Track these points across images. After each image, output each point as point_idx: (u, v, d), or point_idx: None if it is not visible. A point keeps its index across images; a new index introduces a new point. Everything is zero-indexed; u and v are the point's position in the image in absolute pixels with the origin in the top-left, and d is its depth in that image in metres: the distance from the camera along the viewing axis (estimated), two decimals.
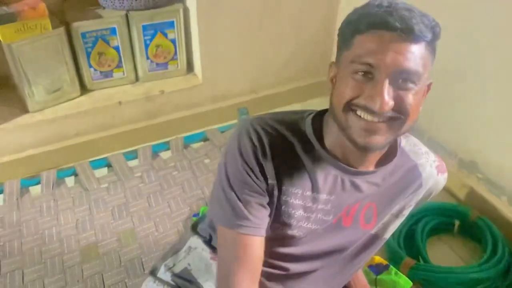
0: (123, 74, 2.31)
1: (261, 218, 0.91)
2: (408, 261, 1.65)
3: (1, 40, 1.91)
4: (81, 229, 1.77)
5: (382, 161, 0.97)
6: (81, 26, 2.10)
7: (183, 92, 2.36)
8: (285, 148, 0.92)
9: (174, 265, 1.11)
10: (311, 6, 2.40)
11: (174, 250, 1.14)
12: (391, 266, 1.40)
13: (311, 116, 0.96)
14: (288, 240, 0.97)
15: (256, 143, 0.89)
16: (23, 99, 2.11)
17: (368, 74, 0.81)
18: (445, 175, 1.07)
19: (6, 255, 1.68)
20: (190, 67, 2.45)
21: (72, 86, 2.20)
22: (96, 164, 2.01)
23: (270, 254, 0.97)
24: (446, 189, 2.00)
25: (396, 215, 1.04)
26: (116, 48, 2.23)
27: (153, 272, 1.15)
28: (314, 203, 0.94)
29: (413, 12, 0.79)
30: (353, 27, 0.83)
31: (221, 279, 0.94)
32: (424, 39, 0.80)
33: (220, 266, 0.95)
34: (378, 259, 1.43)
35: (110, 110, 2.23)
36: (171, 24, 2.25)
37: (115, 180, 1.97)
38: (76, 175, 1.97)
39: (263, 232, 0.92)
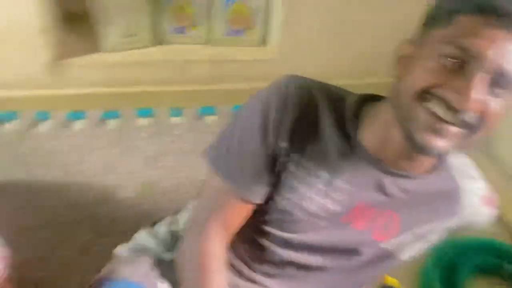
0: (198, 33, 2.28)
1: (256, 182, 0.83)
2: None
3: None
4: (103, 171, 1.79)
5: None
6: None
7: (254, 63, 2.28)
8: (312, 116, 0.83)
9: (173, 222, 1.08)
10: None
11: (178, 210, 1.11)
12: None
13: (353, 97, 0.85)
14: (286, 222, 0.86)
15: (284, 102, 0.83)
16: (97, 37, 2.15)
17: (460, 62, 0.66)
18: (491, 209, 0.90)
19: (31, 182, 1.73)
20: (265, 40, 2.35)
21: (146, 34, 2.20)
22: (141, 113, 2.02)
23: (269, 236, 0.88)
24: (504, 226, 1.74)
25: (418, 237, 0.89)
26: (196, 6, 2.19)
27: (152, 224, 1.11)
28: (326, 185, 0.82)
29: None
30: (458, 3, 0.69)
31: (193, 226, 0.90)
32: None
33: (196, 212, 0.91)
34: (391, 280, 1.28)
35: (177, 66, 2.21)
36: None
37: (153, 133, 1.96)
38: (119, 118, 1.99)
39: (253, 197, 0.84)
